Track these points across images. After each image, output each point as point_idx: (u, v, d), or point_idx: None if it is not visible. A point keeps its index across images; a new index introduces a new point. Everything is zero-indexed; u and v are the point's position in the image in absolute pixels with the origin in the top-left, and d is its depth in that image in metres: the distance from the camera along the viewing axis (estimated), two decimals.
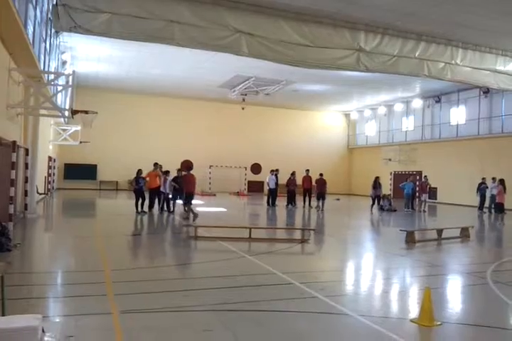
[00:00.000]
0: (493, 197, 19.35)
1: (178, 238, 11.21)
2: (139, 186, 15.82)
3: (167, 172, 16.48)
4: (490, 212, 20.57)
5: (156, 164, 16.28)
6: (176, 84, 26.86)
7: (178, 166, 20.04)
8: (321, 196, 20.37)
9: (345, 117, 37.69)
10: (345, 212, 22.24)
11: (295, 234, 11.58)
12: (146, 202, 15.92)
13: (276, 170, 21.91)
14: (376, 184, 20.63)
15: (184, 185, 14.79)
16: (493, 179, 19.88)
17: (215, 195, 28.69)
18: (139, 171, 16.25)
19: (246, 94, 27.72)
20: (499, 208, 17.75)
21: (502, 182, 19.16)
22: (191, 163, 29.97)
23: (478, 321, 5.12)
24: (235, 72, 23.11)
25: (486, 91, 24.32)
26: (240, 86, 26.07)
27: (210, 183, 30.35)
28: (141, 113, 30.65)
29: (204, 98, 31.22)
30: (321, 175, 21.13)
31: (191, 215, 14.12)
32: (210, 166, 31.34)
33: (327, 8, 13.83)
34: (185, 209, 14.78)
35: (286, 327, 4.74)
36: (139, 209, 15.55)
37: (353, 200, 30.51)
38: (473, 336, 4.80)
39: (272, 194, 21.09)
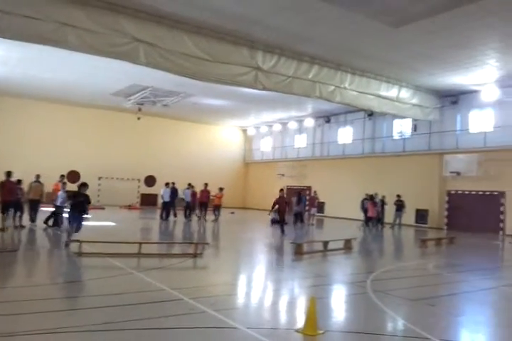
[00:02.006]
0: (366, 211, 21.00)
1: (60, 254, 10.40)
2: (16, 197, 14.40)
3: (19, 182, 14.68)
4: (370, 225, 22.22)
5: (9, 172, 14.19)
6: (65, 89, 25.16)
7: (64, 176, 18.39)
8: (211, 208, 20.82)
9: (242, 132, 38.46)
10: (239, 225, 22.48)
11: (188, 248, 11.39)
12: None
13: (172, 183, 21.73)
14: (300, 199, 19.02)
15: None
16: (371, 196, 21.31)
17: (103, 208, 27.20)
18: (18, 182, 14.79)
19: (142, 104, 26.97)
20: (368, 220, 20.10)
21: (372, 197, 21.26)
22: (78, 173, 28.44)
23: (358, 328, 5.41)
24: (131, 80, 22.40)
25: (371, 114, 26.45)
26: (137, 95, 25.27)
27: (98, 195, 28.67)
28: (25, 118, 28.14)
29: (95, 105, 29.66)
30: (220, 189, 21.65)
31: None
32: (100, 178, 29.80)
33: (228, 26, 14.12)
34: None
35: None
36: (17, 222, 14.21)
37: (248, 214, 31.02)
38: None
39: (166, 207, 20.75)
